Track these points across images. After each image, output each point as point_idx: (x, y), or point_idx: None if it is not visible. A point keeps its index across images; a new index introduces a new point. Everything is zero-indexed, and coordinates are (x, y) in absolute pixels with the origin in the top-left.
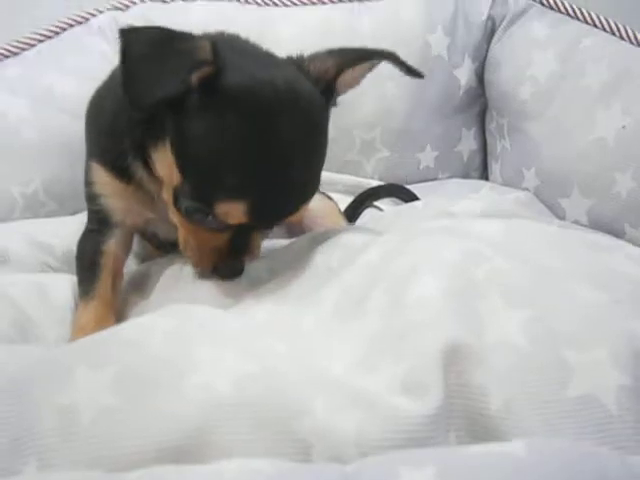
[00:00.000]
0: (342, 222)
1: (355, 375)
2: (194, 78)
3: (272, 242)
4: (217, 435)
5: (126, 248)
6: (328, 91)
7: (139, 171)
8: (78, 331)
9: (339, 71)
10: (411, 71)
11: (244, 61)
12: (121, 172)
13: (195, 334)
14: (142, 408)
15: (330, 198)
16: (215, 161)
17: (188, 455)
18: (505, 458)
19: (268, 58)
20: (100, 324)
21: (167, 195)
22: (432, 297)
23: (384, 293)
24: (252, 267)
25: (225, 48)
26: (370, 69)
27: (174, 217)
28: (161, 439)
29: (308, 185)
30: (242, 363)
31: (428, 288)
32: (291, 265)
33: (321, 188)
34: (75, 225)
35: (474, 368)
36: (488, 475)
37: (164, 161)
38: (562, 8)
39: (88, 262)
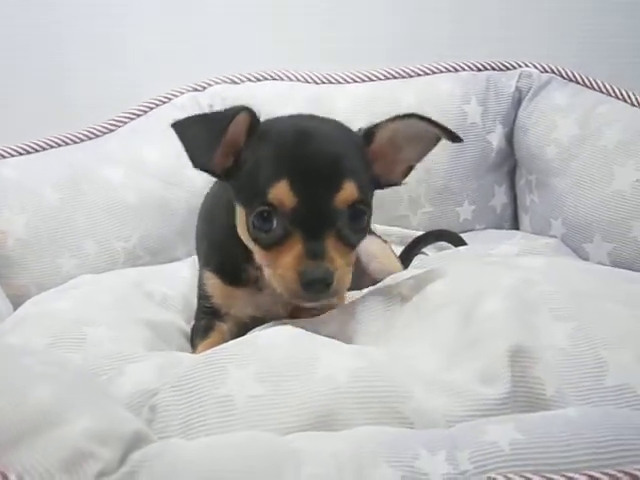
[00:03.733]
0: (394, 260)
1: (441, 371)
2: (239, 128)
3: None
4: (339, 416)
5: (231, 332)
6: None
7: (247, 270)
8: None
9: (376, 125)
10: (437, 125)
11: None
12: (231, 276)
13: (312, 339)
14: (282, 395)
15: (385, 241)
16: (259, 169)
17: (321, 427)
18: (561, 416)
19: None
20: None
21: (249, 243)
22: (496, 313)
23: (454, 312)
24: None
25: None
26: (402, 129)
27: (257, 256)
28: (299, 418)
29: (336, 165)
30: (354, 360)
31: (493, 306)
32: (368, 293)
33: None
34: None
35: (533, 364)
36: (550, 425)
37: (239, 220)
38: (580, 80)
39: (202, 330)
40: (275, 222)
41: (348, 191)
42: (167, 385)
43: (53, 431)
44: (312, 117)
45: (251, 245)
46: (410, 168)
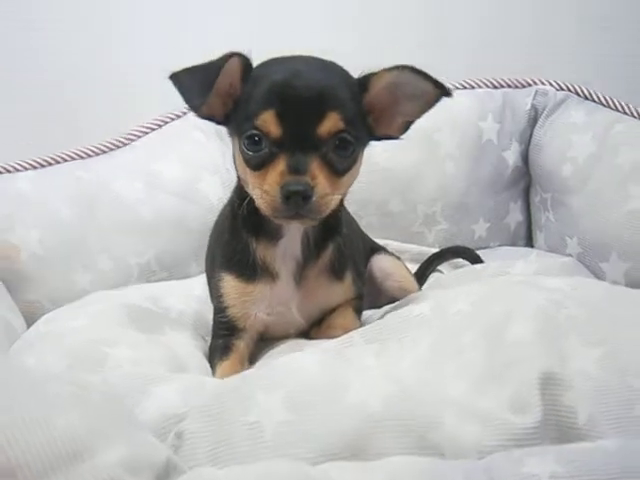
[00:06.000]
0: (409, 277)
1: (470, 397)
2: (233, 74)
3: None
4: (372, 441)
5: (249, 349)
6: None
7: (257, 254)
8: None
9: (373, 73)
10: (433, 81)
11: None
12: (244, 270)
13: (341, 363)
14: (311, 421)
15: (398, 258)
16: (250, 100)
17: (351, 456)
18: (599, 448)
19: None
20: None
21: (242, 172)
22: (525, 337)
23: (480, 334)
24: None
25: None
26: (398, 81)
27: (249, 179)
28: (329, 445)
29: (319, 98)
30: (385, 385)
31: (521, 330)
32: (389, 314)
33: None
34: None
35: (564, 392)
36: (589, 457)
37: (235, 152)
38: (596, 98)
39: (220, 350)
40: (263, 144)
41: (331, 122)
42: (194, 411)
43: (85, 462)
44: (308, 57)
45: (244, 173)
46: (409, 123)
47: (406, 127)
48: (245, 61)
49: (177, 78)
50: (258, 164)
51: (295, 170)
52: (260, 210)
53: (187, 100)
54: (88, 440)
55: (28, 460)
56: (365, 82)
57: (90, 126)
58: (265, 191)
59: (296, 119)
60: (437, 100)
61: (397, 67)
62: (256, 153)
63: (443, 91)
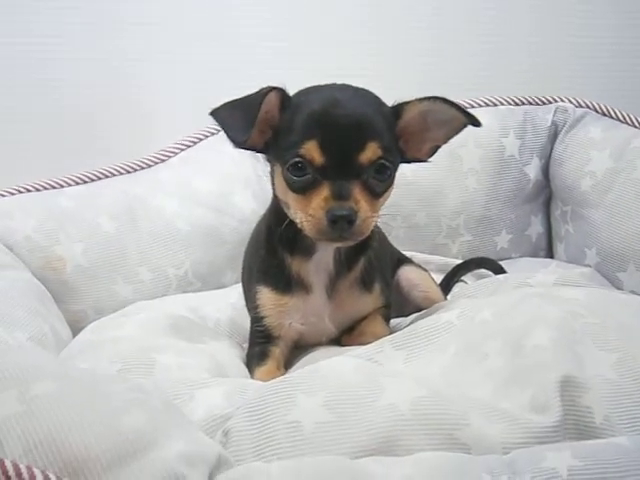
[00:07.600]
0: (434, 287)
1: (494, 399)
2: (271, 105)
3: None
4: (402, 441)
5: (284, 355)
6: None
7: (288, 259)
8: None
9: (406, 102)
10: (462, 110)
11: None
12: (280, 282)
13: (374, 368)
14: (347, 422)
15: (425, 270)
16: (293, 131)
17: (386, 453)
18: (614, 444)
19: None
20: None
21: (284, 195)
22: (545, 344)
23: (503, 341)
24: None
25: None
26: (430, 110)
27: (292, 202)
28: (363, 443)
29: (359, 128)
30: (414, 389)
31: (541, 338)
32: (418, 322)
33: None
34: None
35: (582, 394)
36: (604, 452)
37: (277, 179)
38: (613, 114)
39: (257, 356)
40: (307, 170)
41: (371, 150)
42: (239, 411)
43: (149, 454)
44: (341, 84)
45: (285, 197)
46: (436, 148)
47: (434, 151)
48: (282, 93)
49: (218, 114)
50: (301, 188)
51: (339, 196)
52: (303, 231)
53: (230, 136)
54: (151, 436)
55: (98, 454)
56: (399, 110)
57: (129, 143)
58: (310, 215)
59: (338, 148)
60: (464, 127)
61: (429, 98)
62: (300, 178)
63: (471, 119)
